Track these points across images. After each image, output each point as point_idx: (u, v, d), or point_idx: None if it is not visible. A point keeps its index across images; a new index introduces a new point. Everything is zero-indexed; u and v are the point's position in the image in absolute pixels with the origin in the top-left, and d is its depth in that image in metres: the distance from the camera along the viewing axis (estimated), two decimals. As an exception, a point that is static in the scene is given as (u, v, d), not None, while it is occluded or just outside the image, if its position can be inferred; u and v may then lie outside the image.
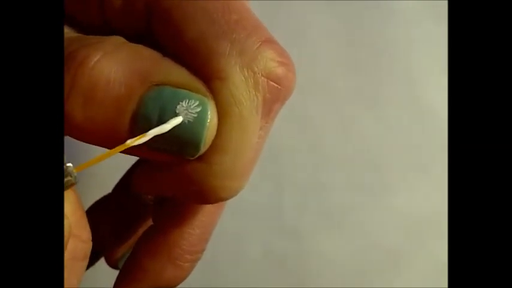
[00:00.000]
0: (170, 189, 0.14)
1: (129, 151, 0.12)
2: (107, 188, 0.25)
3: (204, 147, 0.12)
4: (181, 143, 0.12)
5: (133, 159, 0.21)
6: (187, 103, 0.12)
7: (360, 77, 0.22)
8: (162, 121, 0.12)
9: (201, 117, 0.12)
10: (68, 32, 0.14)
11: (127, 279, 0.16)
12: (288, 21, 0.27)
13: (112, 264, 0.19)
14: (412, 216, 0.29)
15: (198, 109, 0.12)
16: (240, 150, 0.12)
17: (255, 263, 0.28)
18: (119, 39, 0.13)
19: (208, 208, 0.15)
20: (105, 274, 0.20)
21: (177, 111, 0.12)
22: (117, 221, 0.18)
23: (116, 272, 0.17)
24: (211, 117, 0.12)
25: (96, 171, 0.29)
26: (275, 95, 0.12)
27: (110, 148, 0.13)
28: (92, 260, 0.17)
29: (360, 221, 0.30)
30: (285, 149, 0.25)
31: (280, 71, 0.12)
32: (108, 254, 0.18)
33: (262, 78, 0.12)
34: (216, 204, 0.15)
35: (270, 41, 0.12)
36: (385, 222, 0.29)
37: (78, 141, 0.14)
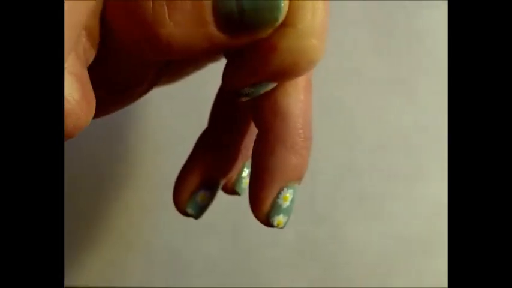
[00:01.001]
0: (262, 72, 0.14)
1: (228, 41, 0.13)
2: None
3: (284, 8, 0.13)
4: (262, 11, 0.13)
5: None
6: None
7: (393, 64, 0.22)
8: (241, 2, 0.13)
9: None
10: None
11: (261, 186, 0.17)
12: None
13: (230, 191, 0.20)
14: (443, 204, 0.29)
15: None
16: (315, 4, 0.14)
17: (288, 248, 0.28)
18: None
19: (300, 94, 0.16)
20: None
21: None
22: (222, 150, 0.19)
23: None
24: None
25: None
26: None
27: (201, 52, 0.14)
28: (213, 195, 0.18)
29: (392, 209, 0.30)
30: (318, 137, 0.25)
31: None
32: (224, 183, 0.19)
33: None
34: (306, 90, 0.17)
35: None
36: (418, 210, 0.30)
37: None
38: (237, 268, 0.28)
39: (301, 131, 0.17)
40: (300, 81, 0.17)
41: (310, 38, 0.14)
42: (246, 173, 0.19)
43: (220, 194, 0.23)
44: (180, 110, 0.28)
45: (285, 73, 0.15)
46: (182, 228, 0.22)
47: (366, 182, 0.23)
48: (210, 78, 0.19)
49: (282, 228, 0.17)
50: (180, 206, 0.18)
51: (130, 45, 0.14)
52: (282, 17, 0.13)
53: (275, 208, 0.17)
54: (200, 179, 0.18)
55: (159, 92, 0.20)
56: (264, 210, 0.17)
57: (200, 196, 0.18)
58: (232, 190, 0.20)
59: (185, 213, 0.18)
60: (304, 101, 0.17)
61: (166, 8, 0.13)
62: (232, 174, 0.19)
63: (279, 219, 0.17)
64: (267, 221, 0.17)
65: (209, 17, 0.13)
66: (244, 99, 0.16)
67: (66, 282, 0.28)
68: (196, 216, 0.19)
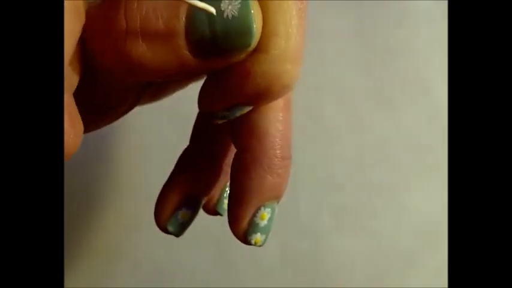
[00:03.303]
0: (236, 96, 0.14)
1: (201, 65, 0.13)
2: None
3: (257, 33, 0.13)
4: (235, 37, 0.13)
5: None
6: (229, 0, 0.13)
7: (372, 76, 0.22)
8: (213, 28, 0.13)
9: (244, 7, 0.13)
10: None
11: (239, 205, 0.17)
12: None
13: (212, 211, 0.20)
14: (426, 216, 0.29)
15: (237, 2, 0.13)
16: (289, 30, 0.13)
17: (271, 261, 0.28)
18: None
19: (278, 114, 0.17)
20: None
21: (222, 9, 0.13)
22: (203, 169, 0.19)
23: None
24: (254, 6, 0.13)
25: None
26: None
27: (175, 75, 0.13)
28: (194, 213, 0.18)
29: (374, 221, 0.30)
30: (300, 150, 0.24)
31: None
32: (204, 204, 0.19)
33: None
34: (284, 109, 0.17)
35: None
36: (400, 222, 0.30)
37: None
38: (221, 280, 0.27)
39: (278, 151, 0.17)
40: (279, 101, 0.16)
41: (284, 64, 0.14)
42: (227, 193, 0.19)
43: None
44: (167, 119, 0.28)
45: (259, 97, 0.14)
46: (167, 239, 0.22)
47: (348, 194, 0.23)
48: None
49: (260, 246, 0.17)
50: (161, 223, 0.18)
51: (105, 65, 0.14)
52: (254, 42, 0.13)
53: (252, 227, 0.17)
54: (181, 197, 0.18)
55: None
56: (241, 229, 0.17)
57: (181, 214, 0.18)
58: (214, 211, 0.20)
59: (166, 231, 0.19)
60: (282, 120, 0.17)
61: (139, 29, 0.13)
62: (214, 193, 0.19)
63: (257, 237, 0.17)
64: (245, 239, 0.17)
65: (181, 40, 0.13)
66: (220, 121, 0.16)
67: None
68: (177, 234, 0.19)
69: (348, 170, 0.29)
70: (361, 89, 0.28)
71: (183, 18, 0.13)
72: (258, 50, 0.13)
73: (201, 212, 0.20)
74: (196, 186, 0.19)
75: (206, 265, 0.23)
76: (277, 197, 0.17)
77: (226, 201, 0.20)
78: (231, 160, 0.18)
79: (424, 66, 0.29)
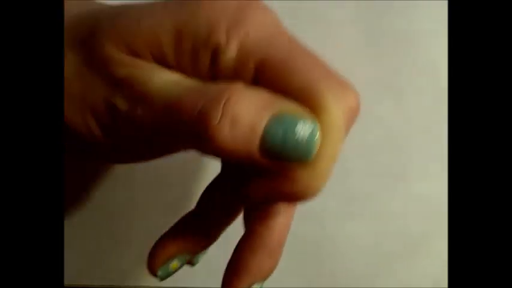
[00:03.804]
0: (275, 192, 0.18)
1: (263, 162, 0.17)
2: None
3: (314, 154, 0.17)
4: (298, 153, 0.17)
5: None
6: (303, 124, 0.16)
7: (380, 65, 0.22)
8: (284, 141, 0.16)
9: (313, 133, 0.17)
10: (188, 79, 0.18)
11: (235, 278, 0.20)
12: (309, 10, 0.27)
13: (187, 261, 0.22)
14: (432, 202, 0.30)
15: (311, 128, 0.17)
16: (333, 157, 0.17)
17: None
18: (241, 83, 0.17)
19: (288, 210, 0.20)
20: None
21: (297, 129, 0.16)
22: (202, 233, 0.22)
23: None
24: (319, 134, 0.17)
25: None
26: (353, 119, 0.18)
27: (243, 162, 0.17)
28: (182, 265, 0.21)
29: (381, 206, 0.30)
30: None
31: (356, 104, 0.18)
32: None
33: (349, 109, 0.17)
34: (293, 210, 0.21)
35: (347, 84, 0.18)
36: (406, 208, 0.30)
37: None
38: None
39: (282, 241, 0.20)
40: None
41: (321, 180, 0.17)
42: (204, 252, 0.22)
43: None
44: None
45: (291, 198, 0.18)
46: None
47: (355, 180, 0.23)
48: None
49: None
50: (152, 267, 0.21)
51: (187, 139, 0.17)
52: (311, 159, 0.17)
53: None
54: (176, 251, 0.21)
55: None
56: None
57: (172, 265, 0.21)
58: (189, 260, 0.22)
59: (154, 275, 0.21)
60: (288, 217, 0.20)
61: (230, 122, 0.16)
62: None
63: None
64: None
65: (257, 140, 0.16)
66: (250, 206, 0.20)
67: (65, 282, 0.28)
68: (162, 279, 0.21)
69: (355, 156, 0.29)
70: (369, 77, 0.28)
71: (263, 124, 0.16)
72: (308, 164, 0.17)
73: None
74: (192, 246, 0.21)
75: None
76: (268, 277, 0.20)
77: (201, 256, 0.22)
78: (224, 230, 0.22)
79: (434, 55, 0.28)
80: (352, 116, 0.18)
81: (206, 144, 0.17)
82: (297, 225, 0.22)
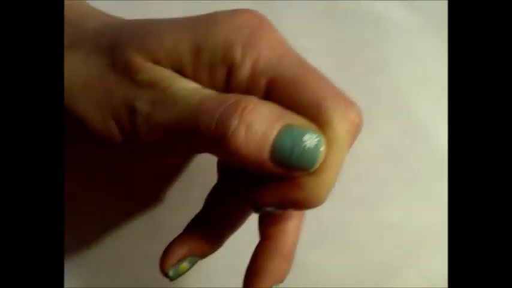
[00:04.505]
0: (283, 199, 0.19)
1: (272, 168, 0.18)
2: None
3: (318, 164, 0.18)
4: (304, 161, 0.18)
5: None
6: (310, 136, 0.18)
7: (351, 92, 0.22)
8: (292, 150, 0.18)
9: (318, 145, 0.18)
10: (206, 89, 0.19)
11: (257, 281, 0.22)
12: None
13: (164, 272, 0.23)
14: (405, 231, 0.30)
15: (316, 140, 0.18)
16: (337, 167, 0.19)
17: None
18: (254, 97, 0.19)
19: (299, 216, 0.22)
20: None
21: (304, 140, 0.18)
22: (210, 235, 0.23)
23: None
24: (324, 146, 0.18)
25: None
26: (356, 134, 0.19)
27: (254, 168, 0.18)
28: (191, 267, 0.23)
29: (353, 236, 0.30)
30: None
31: (359, 120, 0.19)
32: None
33: (353, 126, 0.19)
34: (303, 215, 0.23)
35: (351, 101, 0.19)
36: (379, 237, 0.30)
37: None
38: (232, 267, 0.27)
39: (295, 243, 0.22)
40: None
41: (326, 188, 0.19)
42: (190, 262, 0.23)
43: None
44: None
45: (298, 206, 0.19)
46: (177, 228, 0.22)
47: (326, 209, 0.23)
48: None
49: None
50: (164, 268, 0.22)
51: (204, 143, 0.19)
52: (314, 169, 0.18)
53: None
54: (185, 254, 0.22)
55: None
56: None
57: (182, 266, 0.23)
58: (165, 269, 0.23)
59: (166, 275, 0.23)
60: (300, 220, 0.22)
61: (245, 128, 0.18)
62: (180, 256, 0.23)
63: None
64: None
65: (267, 146, 0.18)
66: (259, 213, 0.22)
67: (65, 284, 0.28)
68: (172, 279, 0.23)
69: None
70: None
71: (274, 133, 0.18)
72: (313, 173, 0.18)
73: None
74: (200, 248, 0.23)
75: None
76: (284, 279, 0.22)
77: (183, 266, 0.23)
78: (232, 234, 0.23)
79: (404, 81, 0.29)
80: (355, 131, 0.19)
81: (222, 148, 0.18)
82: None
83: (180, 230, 0.23)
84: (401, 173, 0.30)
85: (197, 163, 0.29)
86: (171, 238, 0.22)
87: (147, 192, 0.29)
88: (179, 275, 0.23)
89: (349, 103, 0.19)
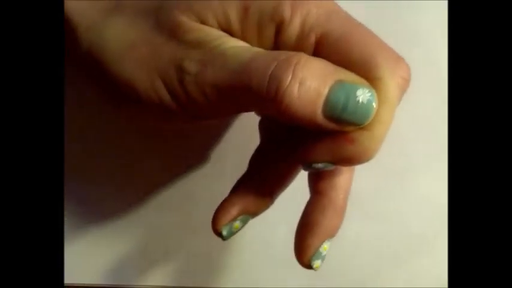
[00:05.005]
0: (335, 155, 0.19)
1: (325, 124, 0.18)
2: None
3: (370, 119, 0.18)
4: (357, 116, 0.18)
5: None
6: (363, 91, 0.18)
7: None
8: (345, 105, 0.18)
9: (371, 99, 0.18)
10: (255, 47, 0.19)
11: (310, 236, 0.21)
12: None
13: (217, 232, 0.23)
14: (435, 202, 0.30)
15: (369, 95, 0.18)
16: (389, 121, 0.19)
17: (280, 245, 0.28)
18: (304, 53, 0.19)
19: (348, 173, 0.22)
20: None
21: (357, 95, 0.18)
22: (260, 193, 0.23)
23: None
24: (376, 101, 0.18)
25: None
26: (404, 89, 0.19)
27: (305, 124, 0.18)
28: (243, 226, 0.23)
29: (384, 206, 0.30)
30: None
31: (408, 76, 0.19)
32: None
33: (402, 81, 0.19)
34: (352, 171, 0.23)
35: (400, 57, 0.19)
36: (412, 208, 0.30)
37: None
38: (232, 266, 0.28)
39: (346, 198, 0.22)
40: None
41: (379, 142, 0.19)
42: (241, 222, 0.23)
43: (209, 195, 0.24)
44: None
45: (351, 160, 0.19)
46: (177, 227, 0.22)
47: (358, 179, 0.23)
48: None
49: (316, 270, 0.22)
50: (216, 227, 0.22)
51: (254, 100, 0.18)
52: (367, 123, 0.18)
53: (317, 254, 0.21)
54: (238, 213, 0.22)
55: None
56: (308, 255, 0.21)
57: (235, 225, 0.22)
58: (218, 230, 0.23)
59: (219, 234, 0.22)
60: (350, 174, 0.22)
61: (298, 84, 0.18)
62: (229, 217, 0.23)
63: (318, 263, 0.22)
64: (308, 264, 0.21)
65: (320, 102, 0.18)
66: (309, 170, 0.21)
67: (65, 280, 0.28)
68: (225, 238, 0.23)
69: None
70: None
71: (327, 89, 0.18)
72: (365, 128, 0.19)
73: (209, 200, 0.22)
74: (252, 207, 0.23)
75: (214, 252, 0.23)
76: (336, 234, 0.22)
77: (236, 225, 0.23)
78: (279, 192, 0.23)
79: (438, 52, 0.28)
80: (404, 86, 0.19)
81: (274, 104, 0.18)
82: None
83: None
84: (433, 143, 0.29)
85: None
86: (170, 238, 0.22)
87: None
88: (232, 233, 0.23)
89: (398, 59, 0.19)
